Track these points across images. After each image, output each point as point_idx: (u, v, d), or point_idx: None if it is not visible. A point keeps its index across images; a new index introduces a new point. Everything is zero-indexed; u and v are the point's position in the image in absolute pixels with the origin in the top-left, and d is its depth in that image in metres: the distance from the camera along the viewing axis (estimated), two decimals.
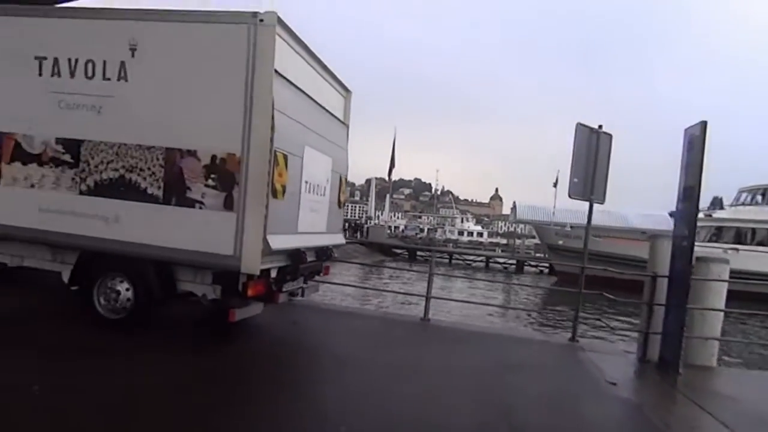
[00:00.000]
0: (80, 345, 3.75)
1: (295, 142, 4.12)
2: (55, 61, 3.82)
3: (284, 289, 4.46)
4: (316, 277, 5.45)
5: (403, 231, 62.30)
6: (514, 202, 47.26)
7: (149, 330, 4.22)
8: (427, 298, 6.30)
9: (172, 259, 3.93)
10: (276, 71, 3.60)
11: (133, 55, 3.68)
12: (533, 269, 34.86)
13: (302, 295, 5.09)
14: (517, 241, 49.20)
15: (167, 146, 3.74)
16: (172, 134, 3.75)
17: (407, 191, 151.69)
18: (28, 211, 4.05)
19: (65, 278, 4.30)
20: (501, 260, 36.83)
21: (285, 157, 3.92)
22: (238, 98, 3.59)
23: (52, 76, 3.85)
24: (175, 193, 3.79)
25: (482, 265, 36.46)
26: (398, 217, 78.57)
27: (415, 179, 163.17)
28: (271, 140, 3.65)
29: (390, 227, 58.03)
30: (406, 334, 5.67)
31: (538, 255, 39.02)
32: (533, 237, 42.95)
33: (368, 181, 48.62)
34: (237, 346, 4.30)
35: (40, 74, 3.86)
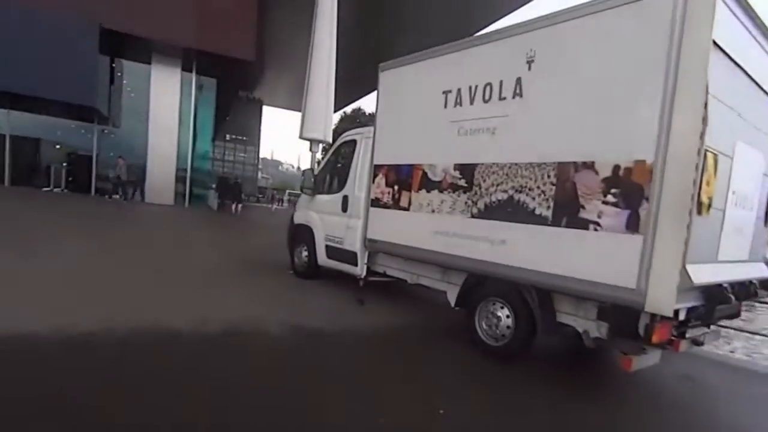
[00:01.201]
0: (462, 369, 3.86)
1: (727, 138, 3.11)
2: (458, 91, 4.29)
3: (687, 335, 3.44)
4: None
5: None
6: None
7: (527, 363, 4.02)
8: None
9: (556, 287, 3.58)
10: (714, 43, 2.77)
11: (529, 68, 3.66)
12: None
13: (703, 343, 3.84)
14: None
15: (560, 161, 3.47)
16: (567, 147, 3.44)
17: None
18: (426, 234, 4.64)
19: (450, 299, 4.67)
20: None
21: (715, 159, 2.98)
22: (654, 88, 2.94)
23: (455, 106, 4.32)
24: (566, 212, 3.44)
25: None
26: None
27: None
28: (701, 137, 2.81)
29: None
30: None
31: None
32: None
33: None
34: (619, 400, 3.56)
35: (445, 106, 4.42)
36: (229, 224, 15.84)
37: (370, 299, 5.75)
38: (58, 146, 19.34)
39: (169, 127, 18.16)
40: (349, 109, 38.67)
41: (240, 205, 20.97)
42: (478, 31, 20.31)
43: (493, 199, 3.98)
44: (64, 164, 18.26)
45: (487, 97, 4.01)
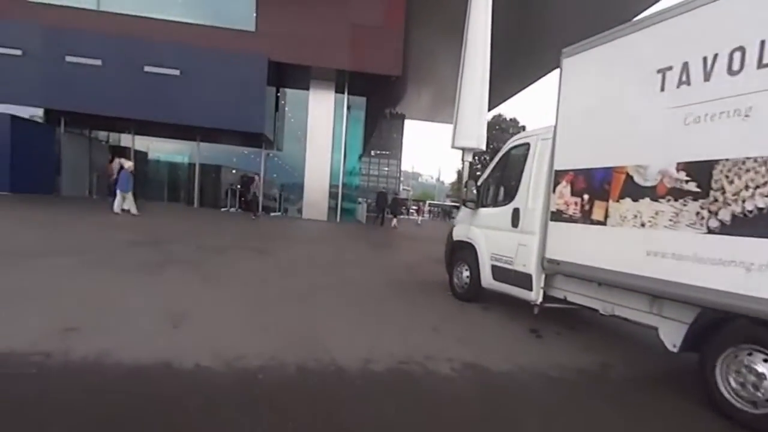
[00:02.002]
0: None
1: None
2: (684, 67, 3.30)
3: None
4: None
5: None
6: None
7: None
8: None
9: None
10: None
11: None
12: None
13: None
14: None
15: None
16: None
17: None
18: (633, 255, 3.68)
19: (666, 339, 3.64)
20: None
21: None
22: None
23: (678, 86, 3.34)
24: None
25: None
26: None
27: None
28: None
29: None
30: None
31: None
32: None
33: None
34: None
35: (662, 89, 3.47)
36: (383, 238, 16.23)
37: (547, 330, 4.94)
38: (233, 171, 22.46)
39: (323, 147, 19.57)
40: (489, 115, 37.48)
41: (396, 219, 22.12)
42: (639, 13, 17.74)
43: (748, 207, 2.90)
44: (238, 186, 20.99)
45: (735, 67, 2.96)
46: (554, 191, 4.55)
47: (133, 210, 12.90)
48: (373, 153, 57.00)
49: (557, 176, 4.52)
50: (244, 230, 13.10)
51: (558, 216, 4.50)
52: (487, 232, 5.71)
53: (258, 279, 6.27)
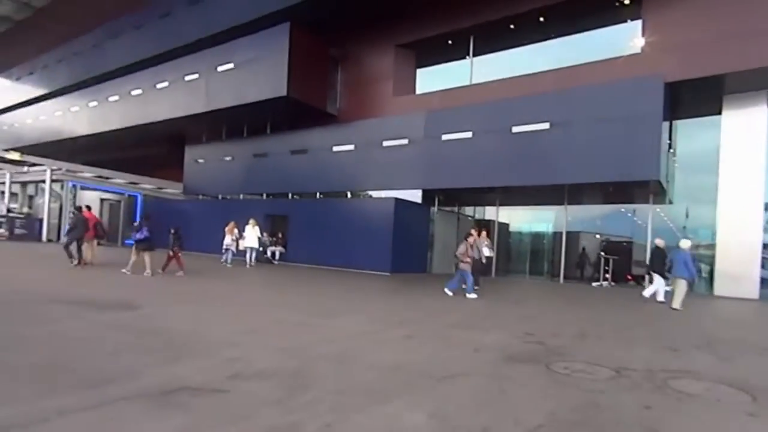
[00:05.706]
0: None
1: None
2: None
3: None
4: None
5: None
6: None
7: None
8: None
9: None
10: None
11: None
12: None
13: None
14: None
15: None
16: None
17: None
18: None
19: None
20: None
21: None
22: None
23: None
24: None
25: None
26: None
27: None
28: None
29: None
30: None
31: None
32: None
33: None
34: None
35: None
36: None
37: None
38: (596, 235, 18.66)
39: (748, 190, 13.42)
40: None
41: None
42: None
43: None
44: (601, 253, 16.92)
45: None
46: None
47: (677, 304, 9.86)
48: None
49: None
50: (652, 324, 8.43)
51: None
52: None
53: None
